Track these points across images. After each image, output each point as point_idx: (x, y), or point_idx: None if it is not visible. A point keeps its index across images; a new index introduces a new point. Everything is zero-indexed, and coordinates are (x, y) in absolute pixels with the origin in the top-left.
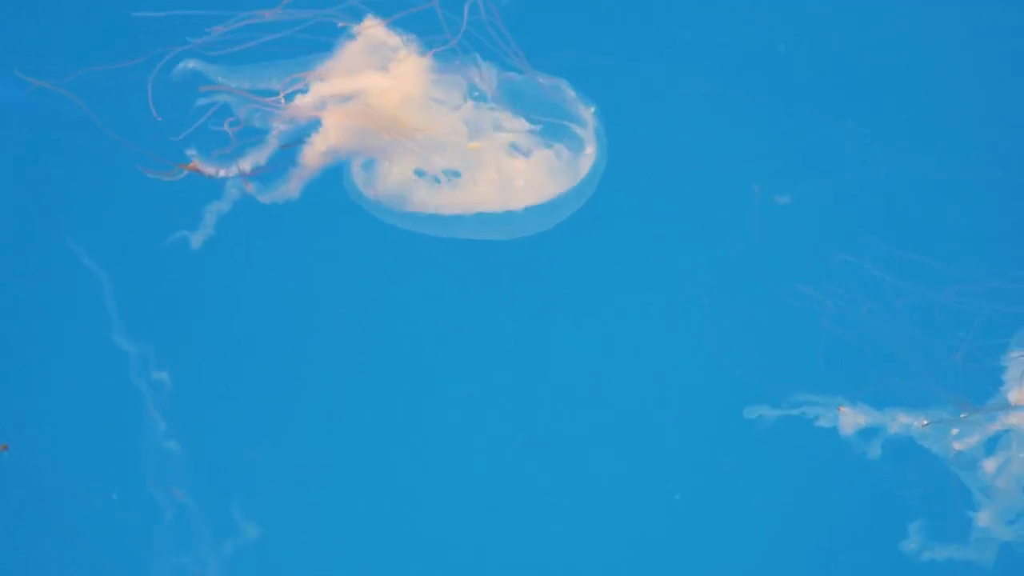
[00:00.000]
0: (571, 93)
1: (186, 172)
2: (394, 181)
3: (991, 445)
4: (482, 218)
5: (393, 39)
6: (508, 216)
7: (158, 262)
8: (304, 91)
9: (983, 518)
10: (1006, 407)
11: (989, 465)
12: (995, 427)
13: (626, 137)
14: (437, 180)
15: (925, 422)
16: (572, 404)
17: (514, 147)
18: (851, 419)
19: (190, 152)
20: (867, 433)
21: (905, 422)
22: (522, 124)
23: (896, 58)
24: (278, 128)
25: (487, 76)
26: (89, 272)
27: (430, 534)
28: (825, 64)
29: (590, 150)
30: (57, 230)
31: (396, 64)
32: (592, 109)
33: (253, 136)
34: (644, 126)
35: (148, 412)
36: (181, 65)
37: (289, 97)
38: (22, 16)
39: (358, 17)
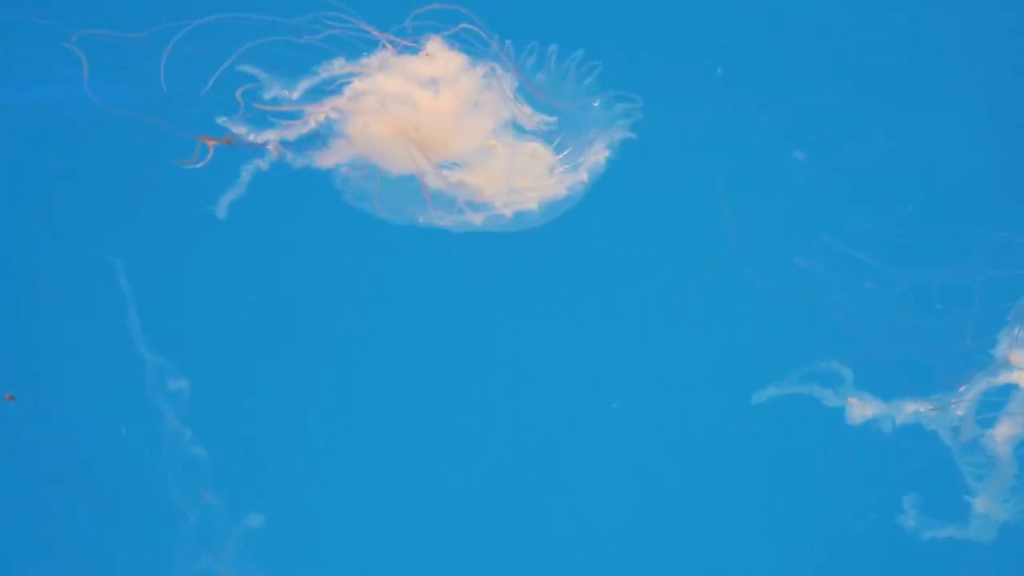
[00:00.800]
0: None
1: (211, 152)
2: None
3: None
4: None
5: (451, 57)
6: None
7: (166, 261)
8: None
9: (980, 504)
10: (1006, 367)
11: (995, 432)
12: (994, 381)
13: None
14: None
15: (931, 408)
16: (574, 398)
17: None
18: (859, 410)
19: (222, 120)
20: (874, 419)
21: (911, 410)
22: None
23: (895, 52)
24: (322, 114)
25: (507, 80)
26: (104, 264)
27: (441, 529)
28: (825, 63)
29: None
30: (66, 224)
31: (446, 84)
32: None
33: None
34: (644, 125)
35: (168, 420)
36: (245, 68)
37: (337, 90)
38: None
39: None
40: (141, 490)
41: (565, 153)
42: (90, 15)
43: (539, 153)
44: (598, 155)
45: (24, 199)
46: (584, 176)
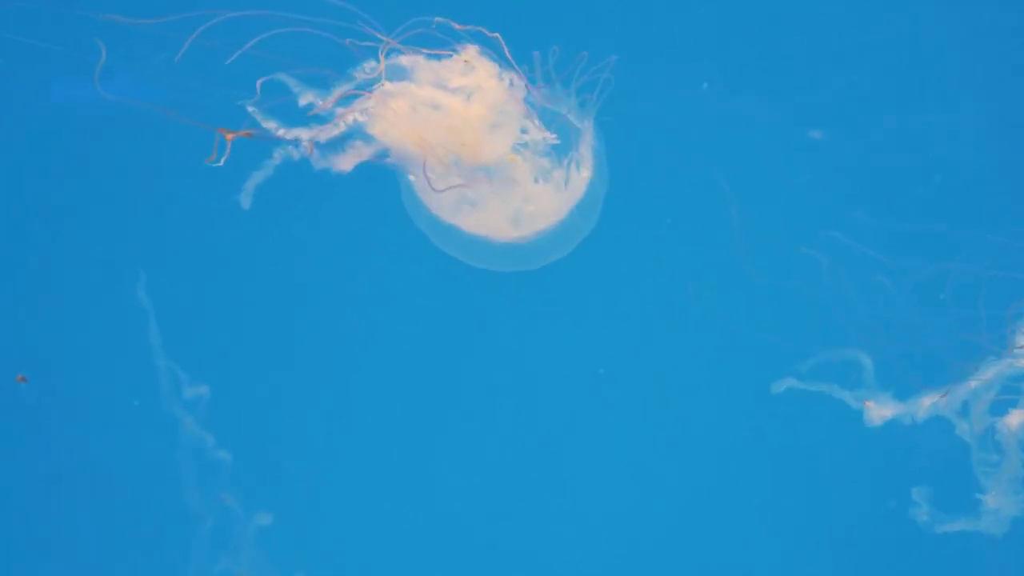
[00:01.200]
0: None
1: (229, 147)
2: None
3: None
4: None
5: (487, 69)
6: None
7: (184, 262)
8: (391, 79)
9: (991, 500)
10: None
11: (1007, 421)
12: (1017, 364)
13: (626, 137)
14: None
15: (944, 396)
16: (576, 399)
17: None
18: (878, 413)
19: (250, 108)
20: (892, 420)
21: (928, 405)
22: (547, 137)
23: (897, 50)
24: (350, 116)
25: (520, 91)
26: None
27: (445, 528)
28: (827, 60)
29: (585, 172)
30: (74, 224)
31: (480, 93)
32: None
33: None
34: (644, 126)
35: (188, 427)
36: (280, 76)
37: (368, 86)
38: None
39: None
40: (159, 495)
41: (567, 161)
42: (92, 7)
43: (545, 166)
44: (586, 165)
45: (26, 199)
46: (581, 187)
